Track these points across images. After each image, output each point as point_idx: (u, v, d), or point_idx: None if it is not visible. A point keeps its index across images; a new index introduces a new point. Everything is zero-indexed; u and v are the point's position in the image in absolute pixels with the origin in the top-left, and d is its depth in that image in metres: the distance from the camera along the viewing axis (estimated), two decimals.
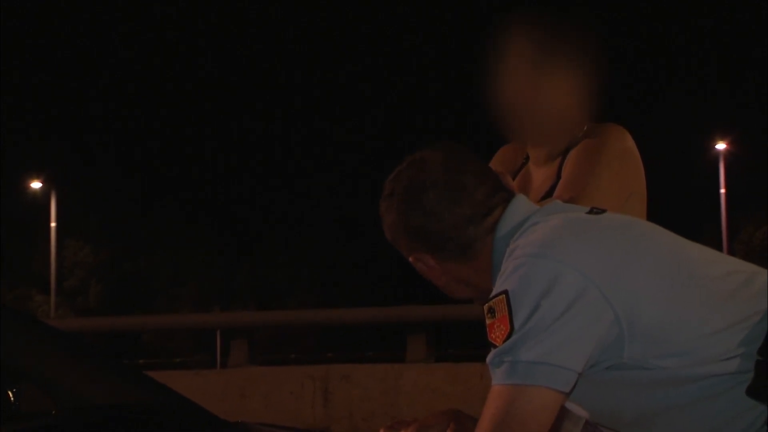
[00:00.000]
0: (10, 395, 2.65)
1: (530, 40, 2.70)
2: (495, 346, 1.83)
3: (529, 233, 1.91)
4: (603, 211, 2.01)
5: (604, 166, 2.66)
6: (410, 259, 2.04)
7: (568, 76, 2.68)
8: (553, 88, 2.68)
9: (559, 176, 2.72)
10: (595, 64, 2.69)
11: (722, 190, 33.27)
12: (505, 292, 1.83)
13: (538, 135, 2.74)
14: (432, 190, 1.99)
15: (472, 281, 2.01)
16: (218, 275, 37.77)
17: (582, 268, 1.82)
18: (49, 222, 35.10)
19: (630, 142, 2.73)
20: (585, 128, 2.73)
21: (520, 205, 2.00)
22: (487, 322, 1.85)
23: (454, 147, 2.06)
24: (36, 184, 37.21)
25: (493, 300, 1.85)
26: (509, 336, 1.80)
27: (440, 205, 1.98)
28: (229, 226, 39.15)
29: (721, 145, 34.10)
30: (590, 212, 1.99)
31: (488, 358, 1.84)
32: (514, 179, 2.82)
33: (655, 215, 2.10)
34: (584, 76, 2.69)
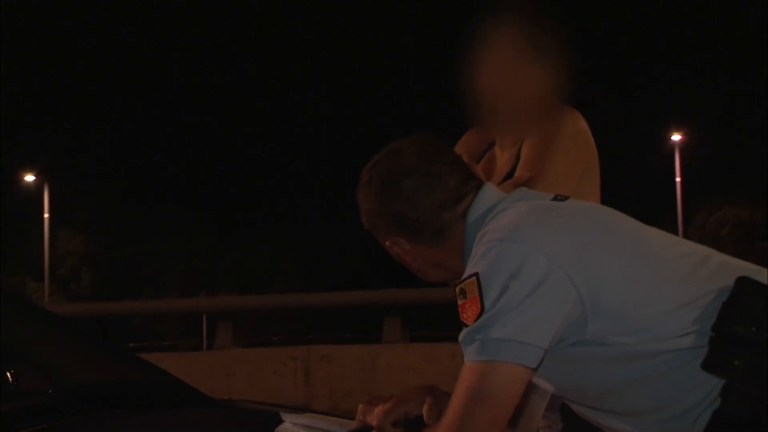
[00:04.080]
0: (9, 376, 2.64)
1: (510, 28, 2.70)
2: (466, 326, 1.84)
3: (498, 219, 1.93)
4: (566, 198, 2.03)
5: (558, 146, 2.68)
6: (386, 243, 2.05)
7: (544, 65, 2.69)
8: (529, 77, 2.69)
9: (519, 157, 2.74)
10: (568, 54, 2.70)
11: (678, 179, 33.45)
12: (476, 274, 1.84)
13: (511, 122, 2.74)
14: (408, 179, 2.00)
15: (445, 264, 2.02)
16: (203, 262, 37.69)
17: (547, 251, 1.84)
18: (42, 213, 34.94)
19: (582, 123, 2.75)
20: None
21: (489, 193, 2.02)
22: (459, 302, 1.87)
23: (429, 138, 2.07)
24: (30, 177, 37.03)
25: (465, 282, 1.86)
26: (480, 315, 1.82)
27: (416, 193, 2.00)
28: (212, 213, 39.03)
29: (676, 136, 34.27)
30: (555, 199, 2.01)
31: (460, 337, 1.85)
32: (478, 162, 2.84)
33: (614, 203, 2.12)
34: (558, 66, 2.70)
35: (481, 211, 1.98)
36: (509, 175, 2.73)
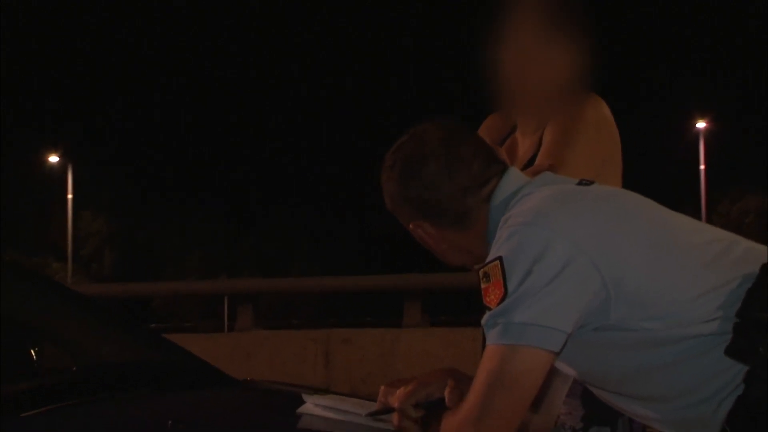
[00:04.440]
0: (33, 353, 2.66)
1: (534, 11, 2.68)
2: (489, 309, 1.84)
3: (523, 203, 1.93)
4: (591, 182, 2.03)
5: (580, 134, 2.65)
6: (410, 226, 2.05)
7: (569, 48, 2.67)
8: (553, 60, 2.67)
9: (540, 144, 2.72)
10: (592, 39, 2.68)
11: (702, 167, 33.26)
12: (500, 258, 1.84)
13: (534, 106, 2.72)
14: (432, 162, 2.00)
15: (469, 248, 2.02)
16: (223, 245, 37.79)
17: (572, 237, 1.83)
18: (65, 194, 35.10)
19: (606, 111, 2.72)
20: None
21: (513, 177, 2.02)
22: (482, 286, 1.86)
23: (453, 122, 2.07)
24: (53, 158, 37.19)
25: (488, 265, 1.86)
26: (503, 299, 1.81)
27: (439, 177, 1.99)
28: (233, 197, 39.12)
29: (701, 124, 34.05)
30: (580, 183, 2.01)
31: (483, 320, 1.85)
32: (500, 147, 2.81)
33: (637, 190, 2.11)
34: (583, 50, 2.68)
35: (505, 195, 1.98)
36: (531, 161, 2.71)
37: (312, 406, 2.15)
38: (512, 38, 2.67)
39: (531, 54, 2.66)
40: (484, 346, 2.75)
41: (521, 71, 2.67)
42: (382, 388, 2.05)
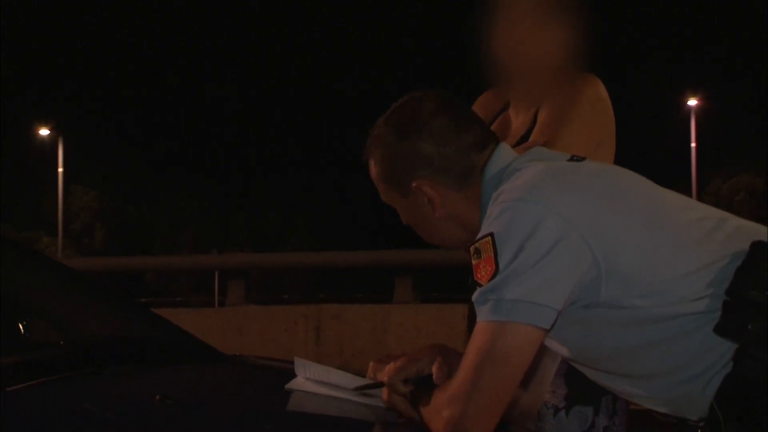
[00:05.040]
0: (20, 327, 2.65)
1: None
2: (480, 285, 1.83)
3: (514, 179, 1.91)
4: (583, 158, 2.01)
5: (576, 114, 2.65)
6: (413, 185, 1.99)
7: (563, 25, 2.66)
8: (547, 38, 2.66)
9: (534, 122, 2.71)
10: (586, 19, 2.66)
11: (693, 144, 33.31)
12: (491, 234, 1.83)
13: (528, 83, 2.72)
14: (438, 118, 1.99)
15: (463, 216, 2.00)
16: (215, 221, 37.79)
17: (563, 213, 1.83)
18: (56, 168, 35.02)
19: (603, 92, 2.71)
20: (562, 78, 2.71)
21: (505, 151, 2.01)
22: (473, 262, 1.85)
23: (446, 92, 2.05)
24: (44, 131, 37.07)
25: (480, 242, 1.85)
26: (494, 276, 1.80)
27: (446, 131, 1.98)
28: (227, 174, 39.10)
29: (692, 102, 34.07)
30: (571, 159, 1.99)
31: (474, 296, 1.84)
32: (492, 124, 2.81)
33: (628, 167, 2.10)
34: (576, 31, 2.66)
35: (496, 169, 1.97)
36: (524, 138, 2.70)
37: (302, 380, 2.14)
38: (506, 17, 2.67)
39: (525, 33, 2.66)
40: (470, 323, 2.76)
41: (515, 49, 2.67)
42: (372, 363, 2.05)
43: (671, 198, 1.97)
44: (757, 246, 1.84)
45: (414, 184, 2.00)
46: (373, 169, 2.05)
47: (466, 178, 1.98)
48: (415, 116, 2.00)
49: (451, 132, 1.98)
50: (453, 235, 2.04)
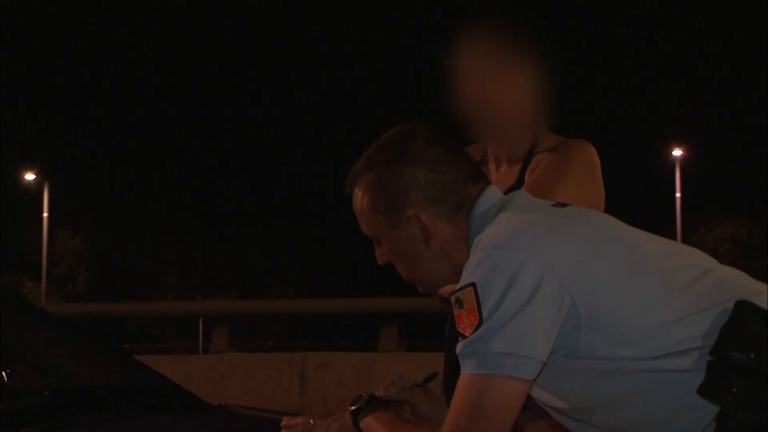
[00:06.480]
0: (4, 375, 2.63)
1: (489, 39, 2.69)
2: (464, 336, 1.81)
3: (494, 225, 1.89)
4: (566, 204, 2.01)
5: (571, 178, 2.66)
6: (408, 213, 1.93)
7: (527, 76, 2.68)
8: (511, 88, 2.68)
9: (521, 179, 2.72)
10: (553, 67, 2.69)
11: (678, 194, 33.44)
12: (473, 284, 1.81)
13: (497, 134, 2.73)
14: (435, 146, 1.96)
15: (452, 253, 1.96)
16: (199, 265, 37.70)
17: (542, 258, 1.80)
18: (41, 212, 34.91)
19: (596, 159, 2.74)
20: (555, 141, 2.73)
21: (494, 191, 1.99)
22: (455, 312, 1.83)
23: (437, 123, 2.05)
24: (30, 176, 37.00)
25: (461, 291, 1.83)
26: (478, 327, 1.79)
27: (444, 160, 1.96)
28: (209, 218, 39.06)
29: (677, 152, 34.27)
30: (555, 205, 1.98)
31: (458, 349, 1.83)
32: None
33: (613, 215, 2.10)
34: (542, 79, 2.69)
35: (484, 207, 1.95)
36: (508, 192, 2.71)
37: None
38: (468, 69, 2.68)
39: (490, 82, 2.68)
40: (448, 370, 2.76)
41: (481, 100, 2.69)
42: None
43: (656, 244, 1.95)
44: (741, 306, 1.81)
45: (410, 213, 1.95)
46: (360, 200, 1.98)
47: (459, 210, 1.95)
48: (410, 144, 1.96)
49: (448, 161, 1.96)
50: (440, 272, 1.98)
